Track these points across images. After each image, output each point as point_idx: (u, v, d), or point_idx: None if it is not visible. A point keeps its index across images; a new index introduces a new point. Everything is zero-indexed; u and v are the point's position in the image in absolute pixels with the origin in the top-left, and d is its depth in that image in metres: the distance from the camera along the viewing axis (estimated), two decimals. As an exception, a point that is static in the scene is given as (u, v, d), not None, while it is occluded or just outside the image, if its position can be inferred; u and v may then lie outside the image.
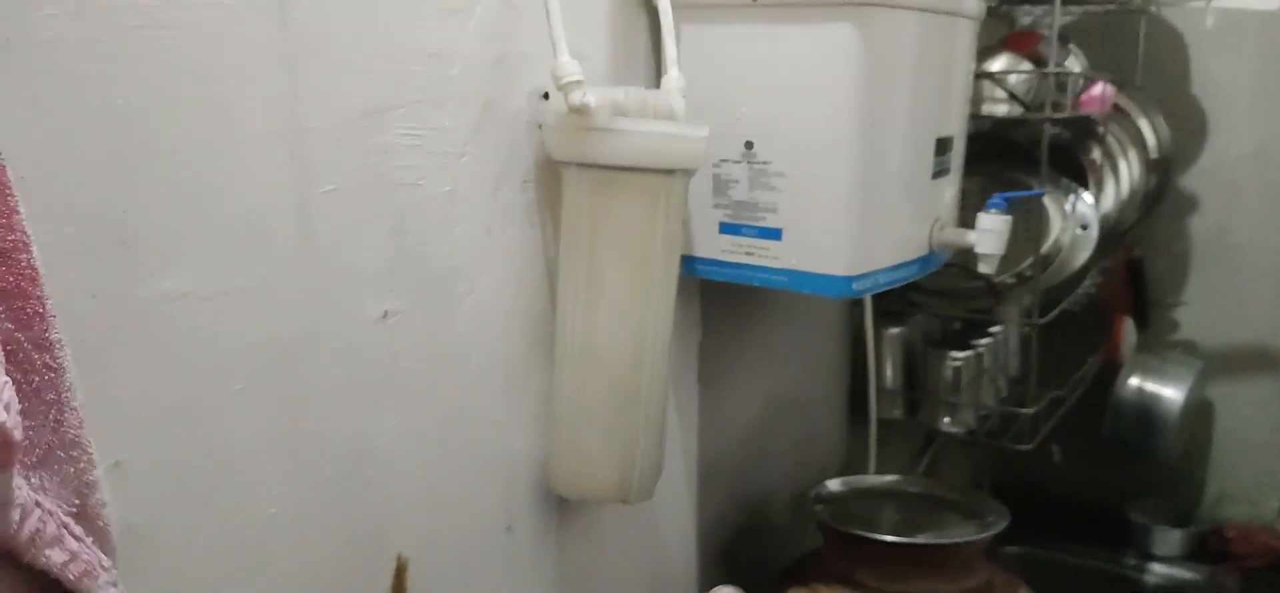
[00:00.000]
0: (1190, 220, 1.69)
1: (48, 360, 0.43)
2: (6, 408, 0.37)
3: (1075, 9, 1.59)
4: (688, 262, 0.87)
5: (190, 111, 0.51)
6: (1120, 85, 1.53)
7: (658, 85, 0.86)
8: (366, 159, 0.61)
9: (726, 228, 0.85)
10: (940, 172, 0.90)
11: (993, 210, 0.88)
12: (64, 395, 0.44)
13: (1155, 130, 1.57)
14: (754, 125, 0.81)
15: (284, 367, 0.58)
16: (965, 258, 1.10)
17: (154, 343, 0.51)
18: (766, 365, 1.11)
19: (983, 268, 0.89)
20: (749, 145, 0.82)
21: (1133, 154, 1.52)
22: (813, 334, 1.23)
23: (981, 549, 0.92)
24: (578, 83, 0.67)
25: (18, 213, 0.41)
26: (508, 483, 0.76)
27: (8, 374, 0.40)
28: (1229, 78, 1.61)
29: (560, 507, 0.81)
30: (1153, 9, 1.62)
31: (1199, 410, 1.66)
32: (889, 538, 0.91)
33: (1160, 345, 1.71)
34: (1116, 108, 1.54)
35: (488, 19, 0.69)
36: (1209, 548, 1.62)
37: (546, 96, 0.74)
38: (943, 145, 0.89)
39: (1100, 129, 1.44)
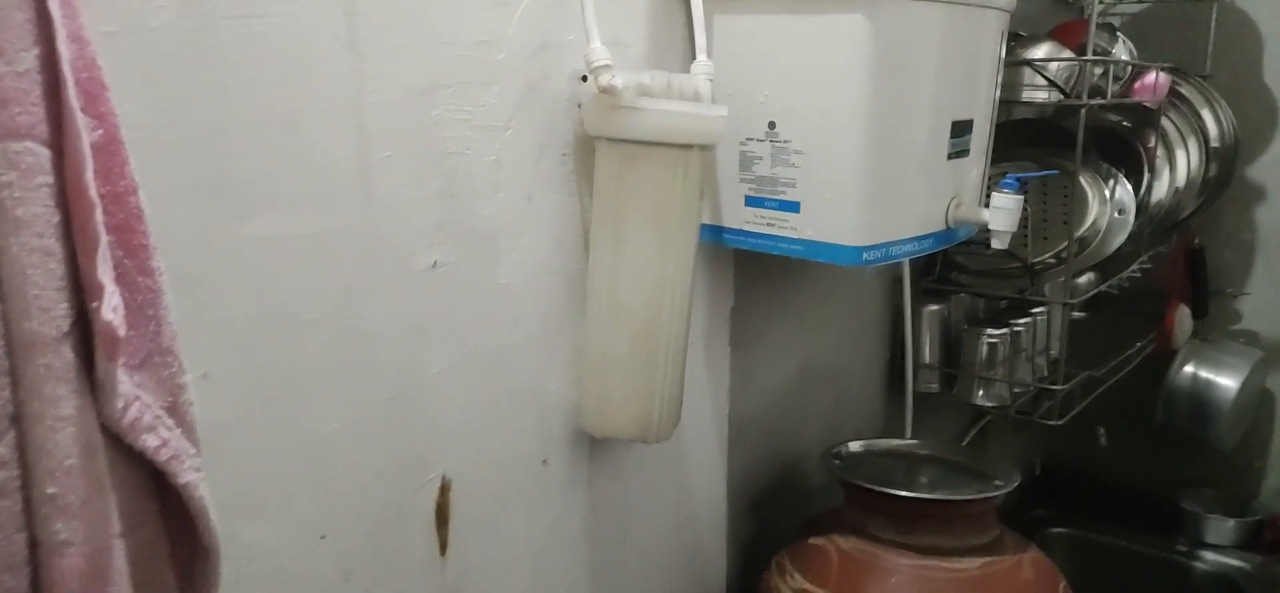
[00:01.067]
0: (1257, 210, 1.68)
1: (149, 283, 0.54)
2: (115, 311, 0.48)
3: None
4: (717, 231, 0.95)
5: (273, 87, 0.62)
6: (1181, 74, 1.53)
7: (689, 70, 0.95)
8: (420, 130, 0.72)
9: (751, 201, 0.93)
10: (958, 152, 0.95)
11: (1006, 189, 0.93)
12: (161, 312, 0.55)
13: (1218, 120, 1.57)
14: (776, 107, 0.89)
15: (346, 304, 0.69)
16: (1016, 243, 1.15)
17: (240, 276, 0.62)
18: (800, 334, 1.19)
19: (995, 244, 0.95)
20: (772, 125, 0.90)
21: (1191, 143, 1.52)
22: (851, 308, 1.29)
23: (992, 507, 0.98)
24: (607, 67, 0.76)
25: (128, 162, 0.53)
26: (544, 421, 0.86)
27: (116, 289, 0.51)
28: (1302, 67, 1.59)
29: (592, 447, 0.91)
30: (1225, -2, 1.61)
31: (1258, 400, 1.65)
32: (902, 493, 0.97)
33: (1221, 334, 1.70)
34: (1178, 96, 1.54)
35: (532, 10, 0.78)
36: (1264, 539, 1.61)
37: (584, 79, 0.84)
38: (960, 127, 0.94)
39: (1158, 117, 1.45)
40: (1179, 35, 1.67)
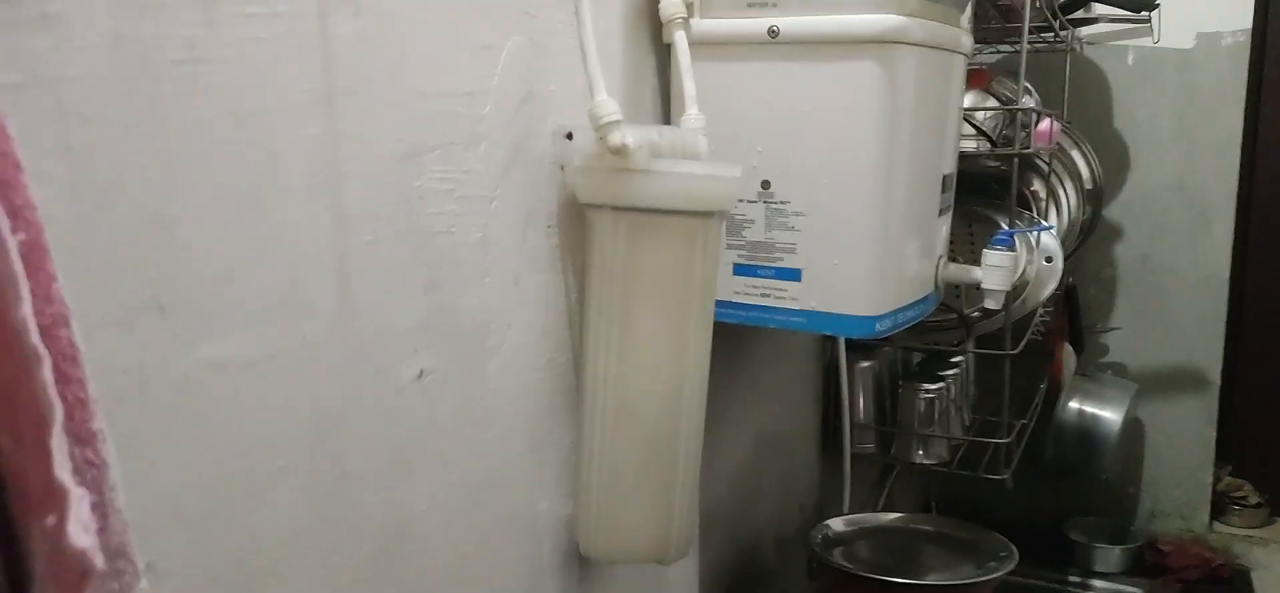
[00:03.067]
0: (1117, 248, 1.77)
1: (90, 456, 0.36)
2: (86, 529, 0.30)
3: (1006, 47, 1.65)
4: (699, 304, 0.84)
5: (232, 157, 0.45)
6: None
7: (665, 123, 0.83)
8: (403, 206, 0.56)
9: (741, 269, 0.82)
10: (945, 208, 0.90)
11: (999, 246, 0.88)
12: (108, 496, 0.37)
13: (1088, 162, 1.64)
14: (772, 164, 0.79)
15: (321, 442, 0.51)
16: (949, 294, 1.11)
17: (191, 422, 0.44)
18: (755, 403, 1.09)
19: (990, 303, 0.89)
20: (766, 185, 0.80)
21: (1069, 186, 1.58)
22: (792, 370, 1.22)
23: (992, 589, 0.92)
24: (617, 123, 0.63)
25: (56, 280, 0.35)
26: (534, 548, 0.71)
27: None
28: (1149, 112, 1.70)
29: (582, 567, 0.76)
30: (1077, 47, 1.69)
31: (1133, 430, 1.73)
32: (898, 581, 0.89)
33: (1094, 369, 1.77)
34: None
35: (515, 56, 0.64)
36: (1146, 563, 1.68)
37: (570, 136, 0.70)
38: (947, 182, 0.89)
39: (1043, 162, 1.48)
40: (1037, 84, 1.75)
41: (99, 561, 0.31)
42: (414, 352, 0.58)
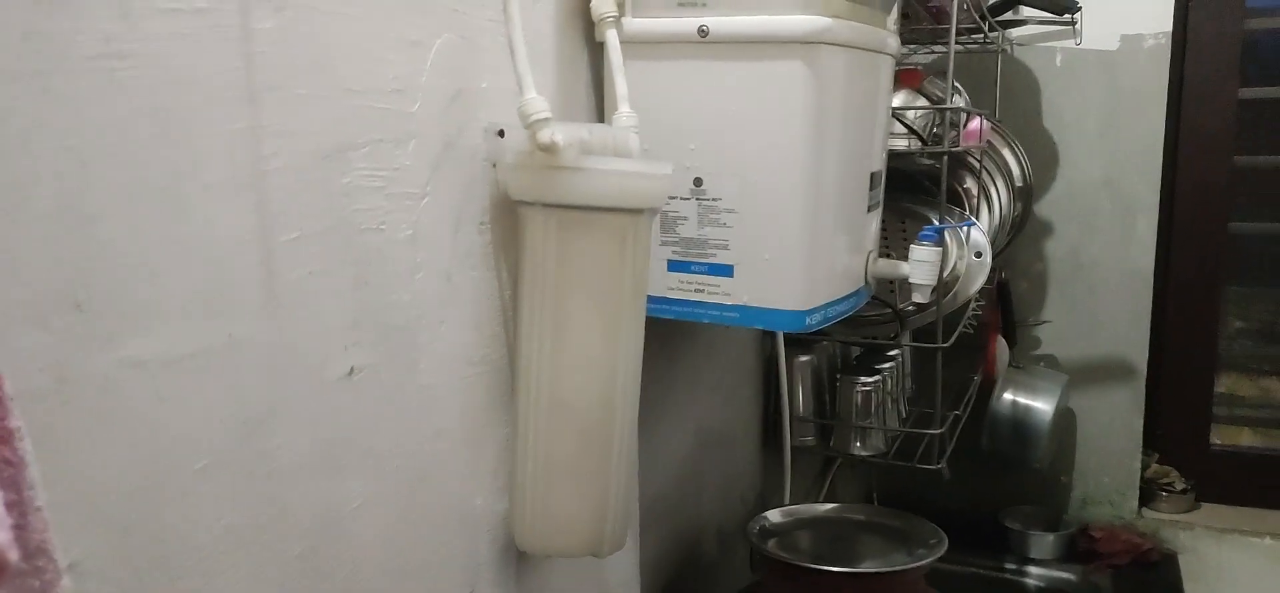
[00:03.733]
0: (1047, 243, 1.83)
1: (7, 454, 0.36)
2: (1, 525, 0.30)
3: (939, 48, 1.69)
4: (634, 300, 0.85)
5: (151, 154, 0.45)
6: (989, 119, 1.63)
7: (600, 119, 0.85)
8: (330, 203, 0.56)
9: (675, 266, 0.84)
10: (873, 205, 0.92)
11: (925, 242, 0.91)
12: (26, 495, 0.37)
13: (1018, 160, 1.69)
14: (703, 161, 0.81)
15: (248, 439, 0.51)
16: (882, 289, 1.13)
17: (113, 420, 0.44)
18: (694, 399, 1.11)
19: (917, 297, 0.92)
20: (698, 182, 0.81)
21: (1001, 183, 1.62)
22: (732, 364, 1.23)
23: (923, 575, 0.94)
24: (546, 120, 0.64)
25: (-35, 277, 0.35)
26: (471, 544, 0.71)
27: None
28: (1077, 111, 1.75)
29: (519, 561, 0.77)
30: (1007, 49, 1.74)
31: (1064, 420, 1.79)
32: (833, 569, 0.91)
33: (1027, 361, 1.83)
34: (986, 140, 1.64)
35: (445, 52, 0.65)
36: (1079, 549, 1.74)
37: (501, 133, 0.71)
38: (875, 179, 0.91)
39: (974, 160, 1.52)
40: (968, 82, 1.79)
41: (15, 556, 0.31)
42: (344, 349, 0.58)
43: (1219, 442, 1.84)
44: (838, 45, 0.78)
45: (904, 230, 1.31)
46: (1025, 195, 1.69)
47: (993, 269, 1.75)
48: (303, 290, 0.54)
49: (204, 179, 0.48)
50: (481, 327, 0.71)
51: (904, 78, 1.38)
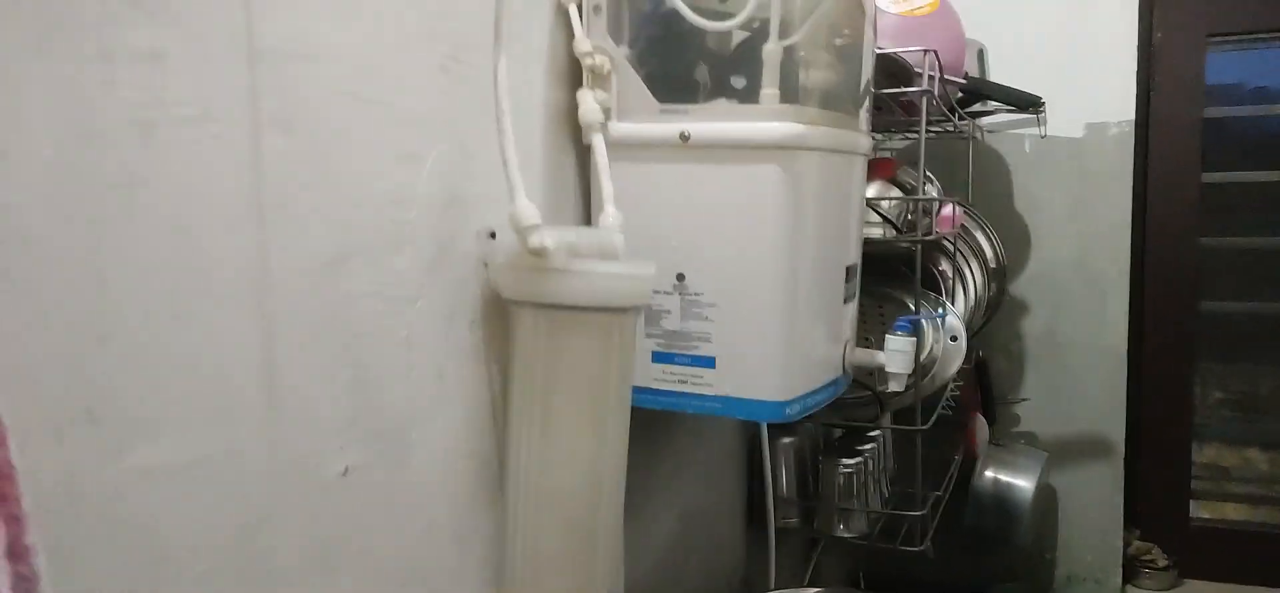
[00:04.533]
0: (1023, 322, 1.87)
1: (23, 570, 0.38)
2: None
3: (912, 134, 1.75)
4: (620, 391, 0.87)
5: (165, 271, 0.48)
6: (962, 204, 1.68)
7: (587, 218, 0.88)
8: (329, 309, 0.59)
9: (659, 357, 0.86)
10: (849, 296, 0.95)
11: (900, 332, 0.94)
12: (40, 608, 0.39)
13: (991, 242, 1.74)
14: (685, 258, 0.84)
15: (247, 540, 0.53)
16: (862, 372, 1.16)
17: (119, 528, 0.46)
18: (679, 482, 1.12)
19: (893, 387, 0.95)
20: (681, 277, 0.85)
21: (975, 265, 1.67)
22: (715, 447, 1.26)
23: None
24: (536, 226, 0.67)
25: (-8, 398, 0.37)
26: (459, 637, 0.72)
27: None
28: (1047, 195, 1.81)
29: (506, 656, 0.78)
30: (978, 136, 1.80)
31: (1046, 497, 1.81)
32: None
33: (1007, 438, 1.85)
34: (960, 224, 1.69)
35: (441, 161, 0.68)
36: (1063, 626, 1.75)
37: (493, 235, 0.74)
38: (851, 271, 0.95)
39: (949, 244, 1.57)
40: (942, 168, 1.85)
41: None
42: (340, 449, 0.60)
43: (1205, 515, 1.86)
44: (812, 149, 0.82)
45: (882, 314, 1.35)
46: (1000, 276, 1.73)
47: (971, 348, 1.79)
48: (301, 395, 0.57)
49: (212, 292, 0.50)
50: (472, 421, 0.73)
51: (878, 168, 1.43)
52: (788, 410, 0.84)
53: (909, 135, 1.70)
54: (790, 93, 0.80)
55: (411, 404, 0.66)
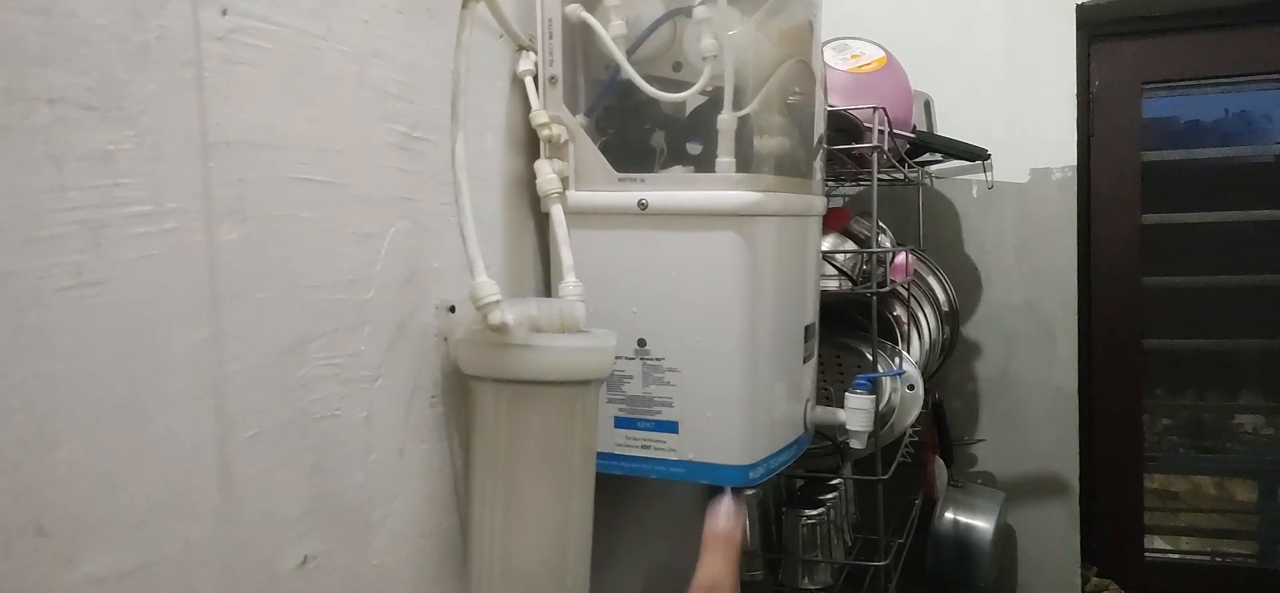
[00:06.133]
0: (977, 364, 1.90)
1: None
2: None
3: (864, 181, 1.78)
4: (583, 458, 0.87)
5: (116, 372, 0.47)
6: (913, 250, 1.71)
7: (546, 283, 0.88)
8: (287, 396, 0.58)
9: (622, 422, 0.86)
10: (809, 356, 0.96)
11: (859, 390, 0.95)
12: None
13: (943, 286, 1.77)
14: (647, 323, 0.84)
15: (204, 640, 0.52)
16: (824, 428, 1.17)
17: (70, 641, 0.44)
18: (642, 543, 1.12)
19: (855, 444, 0.96)
20: (642, 343, 0.85)
21: (928, 309, 1.70)
22: (678, 503, 1.25)
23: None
24: (496, 302, 0.67)
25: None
26: None
27: None
28: (995, 239, 1.86)
29: None
30: (927, 182, 1.84)
31: (1005, 537, 1.83)
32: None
33: (965, 479, 1.88)
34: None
35: (399, 239, 0.68)
36: (1027, 666, 1.76)
37: (453, 309, 0.74)
38: (809, 331, 0.96)
39: (902, 290, 1.60)
40: (892, 213, 1.89)
41: None
42: (298, 537, 0.59)
43: (1162, 545, 1.90)
44: (769, 216, 0.83)
45: (839, 362, 1.37)
46: (953, 319, 1.76)
47: (927, 392, 1.82)
48: (259, 486, 0.55)
49: (165, 390, 0.49)
50: (433, 499, 0.72)
51: (831, 219, 1.46)
52: (752, 474, 0.85)
53: (860, 182, 1.73)
54: (745, 160, 0.81)
55: (372, 485, 0.65)
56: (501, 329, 0.67)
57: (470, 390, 0.72)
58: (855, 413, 0.95)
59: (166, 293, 0.49)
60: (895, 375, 1.24)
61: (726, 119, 0.79)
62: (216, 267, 0.52)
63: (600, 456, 0.87)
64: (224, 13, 0.53)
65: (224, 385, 0.53)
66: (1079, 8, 1.75)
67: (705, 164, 0.83)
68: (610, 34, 0.80)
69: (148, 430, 0.48)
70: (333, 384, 0.62)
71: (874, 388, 0.96)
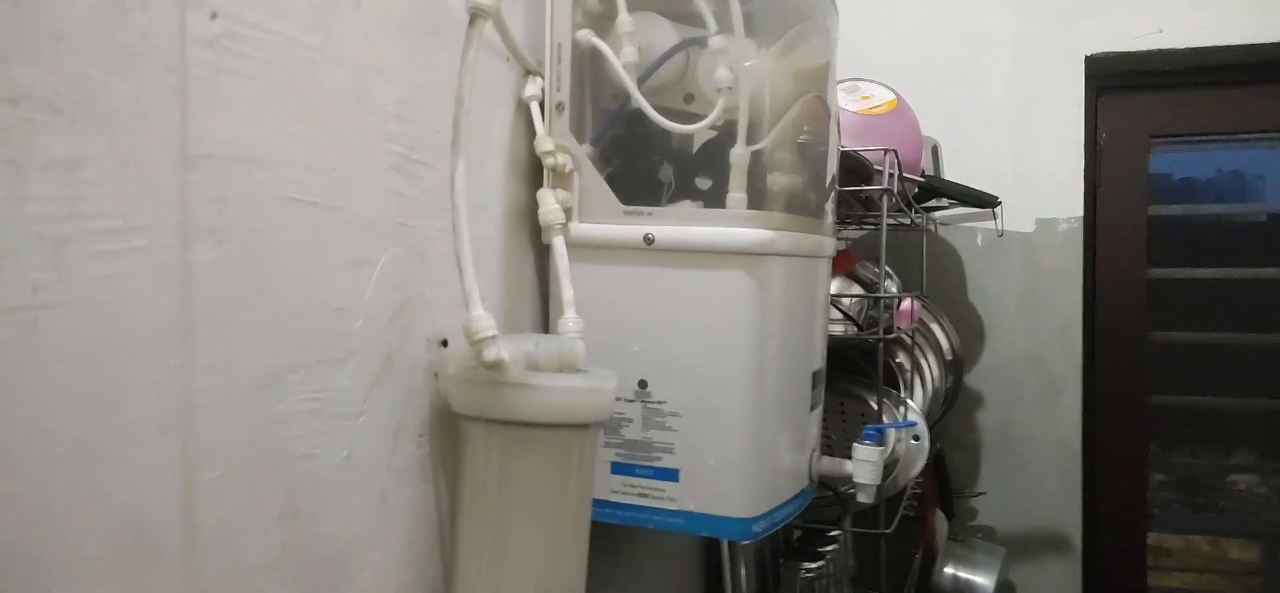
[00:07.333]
0: (979, 415, 1.86)
1: None
2: None
3: (869, 223, 1.75)
4: (576, 504, 0.82)
5: (71, 404, 0.42)
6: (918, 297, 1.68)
7: (546, 319, 0.84)
8: (261, 432, 0.53)
9: (619, 468, 0.82)
10: (815, 403, 0.92)
11: (868, 441, 0.91)
12: None
13: (946, 334, 1.73)
14: (649, 364, 0.80)
15: (157, 701, 0.47)
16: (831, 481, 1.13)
17: (2, 705, 0.40)
18: (635, 591, 1.07)
19: (862, 498, 0.91)
20: (643, 384, 0.80)
21: (932, 358, 1.66)
22: (673, 552, 1.20)
23: None
24: (492, 337, 0.63)
25: None
26: None
27: None
28: (999, 288, 1.82)
29: None
30: (932, 228, 1.81)
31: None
32: None
33: (965, 533, 1.83)
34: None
35: (391, 266, 0.64)
36: None
37: (445, 343, 0.70)
38: (816, 378, 0.92)
39: (907, 336, 1.56)
40: (896, 259, 1.85)
41: None
42: (266, 588, 0.54)
43: (1162, 608, 1.86)
44: (779, 255, 0.80)
45: (842, 410, 1.32)
46: (956, 368, 1.72)
47: (929, 443, 1.77)
48: (225, 531, 0.51)
49: (126, 426, 0.45)
50: (416, 547, 0.67)
51: (837, 262, 1.42)
52: (754, 529, 0.80)
53: (865, 226, 1.70)
54: (757, 197, 0.77)
55: (350, 531, 0.61)
56: (497, 366, 0.63)
57: (460, 430, 0.67)
58: (863, 465, 0.91)
59: (132, 316, 0.45)
60: (904, 427, 1.19)
61: (739, 153, 0.75)
62: (190, 289, 0.48)
63: (595, 503, 0.82)
64: (213, 17, 0.49)
65: (192, 419, 0.49)
66: (1088, 59, 1.73)
67: (715, 199, 0.79)
68: (622, 61, 0.76)
69: (105, 470, 0.44)
70: (312, 421, 0.57)
71: (882, 439, 0.92)
